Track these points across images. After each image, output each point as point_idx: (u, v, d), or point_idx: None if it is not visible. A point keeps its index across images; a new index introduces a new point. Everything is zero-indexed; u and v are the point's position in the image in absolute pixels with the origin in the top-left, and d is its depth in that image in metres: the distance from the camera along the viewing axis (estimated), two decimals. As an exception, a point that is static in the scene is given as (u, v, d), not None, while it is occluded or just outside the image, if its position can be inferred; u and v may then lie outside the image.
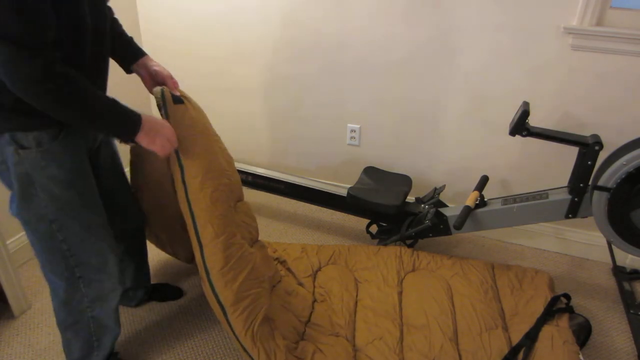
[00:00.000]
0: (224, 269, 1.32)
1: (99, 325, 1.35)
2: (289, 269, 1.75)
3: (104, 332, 1.37)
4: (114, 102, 1.06)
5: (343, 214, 2.26)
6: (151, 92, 1.32)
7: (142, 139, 1.14)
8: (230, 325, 1.34)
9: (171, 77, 1.35)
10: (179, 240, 1.63)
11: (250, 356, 1.36)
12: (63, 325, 1.33)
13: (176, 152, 1.29)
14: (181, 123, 1.29)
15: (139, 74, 1.37)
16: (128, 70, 1.36)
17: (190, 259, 1.71)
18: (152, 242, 1.70)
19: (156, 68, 1.34)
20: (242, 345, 1.35)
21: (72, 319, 1.31)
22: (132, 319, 1.72)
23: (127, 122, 1.10)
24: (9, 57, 0.89)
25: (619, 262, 1.99)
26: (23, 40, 0.89)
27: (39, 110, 0.98)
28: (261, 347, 1.34)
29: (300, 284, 1.70)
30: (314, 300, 1.65)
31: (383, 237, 2.03)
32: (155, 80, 1.35)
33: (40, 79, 0.93)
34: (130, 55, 1.34)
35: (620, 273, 1.95)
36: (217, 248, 1.31)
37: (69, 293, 1.25)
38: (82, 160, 1.18)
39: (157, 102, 1.27)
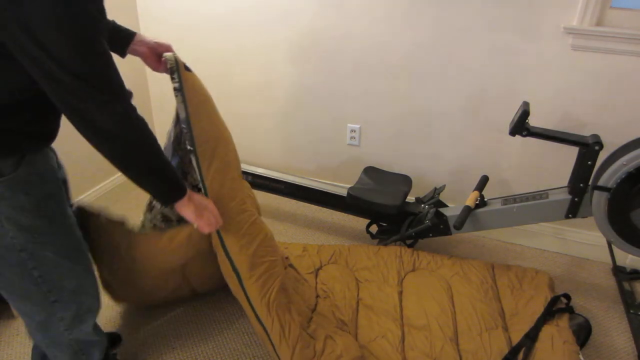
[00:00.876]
0: (238, 233, 1.30)
1: (82, 342, 1.25)
2: (291, 265, 1.75)
3: (89, 346, 1.28)
4: (169, 163, 1.08)
5: (343, 214, 2.26)
6: (154, 69, 1.31)
7: (190, 212, 1.14)
8: (245, 292, 1.30)
9: (171, 47, 1.33)
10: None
11: (263, 326, 1.32)
12: (44, 345, 1.23)
13: (187, 112, 1.29)
14: (192, 88, 1.31)
15: (137, 53, 1.29)
16: (124, 54, 1.29)
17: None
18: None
19: (155, 40, 1.31)
20: (255, 314, 1.32)
21: (50, 340, 1.21)
22: (132, 320, 1.71)
23: (176, 188, 1.11)
24: (95, 102, 0.88)
25: (619, 262, 1.99)
26: (114, 85, 0.90)
27: None
28: (276, 318, 1.31)
29: (304, 280, 1.71)
30: (317, 296, 1.66)
31: (383, 237, 2.03)
32: (158, 52, 1.31)
33: (119, 125, 0.93)
34: (124, 38, 1.26)
35: (620, 273, 1.95)
36: (233, 211, 1.30)
37: (43, 318, 1.14)
38: (51, 182, 1.06)
39: (170, 65, 1.27)
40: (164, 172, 1.07)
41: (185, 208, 1.15)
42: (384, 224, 2.05)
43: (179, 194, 1.12)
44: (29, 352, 1.57)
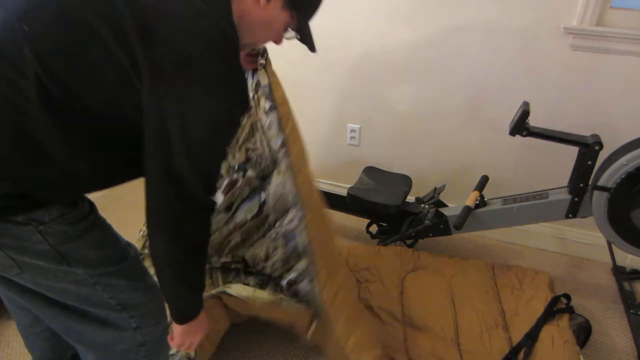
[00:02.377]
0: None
1: None
2: None
3: None
4: (201, 293, 1.03)
5: (343, 214, 2.26)
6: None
7: (181, 329, 1.05)
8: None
9: None
10: None
11: None
12: None
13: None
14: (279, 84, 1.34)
15: None
16: None
17: None
18: None
19: None
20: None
21: None
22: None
23: (196, 309, 1.04)
24: (194, 202, 0.88)
25: (619, 262, 1.99)
26: (210, 200, 0.91)
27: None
28: None
29: None
30: None
31: (383, 237, 2.03)
32: None
33: (192, 237, 0.92)
34: None
35: (620, 273, 1.95)
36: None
37: (125, 346, 1.06)
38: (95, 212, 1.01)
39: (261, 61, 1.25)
40: (200, 289, 1.03)
41: (182, 326, 1.06)
42: (384, 224, 2.05)
43: (194, 316, 1.05)
44: (28, 352, 1.57)
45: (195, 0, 0.80)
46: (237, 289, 1.48)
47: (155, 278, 0.99)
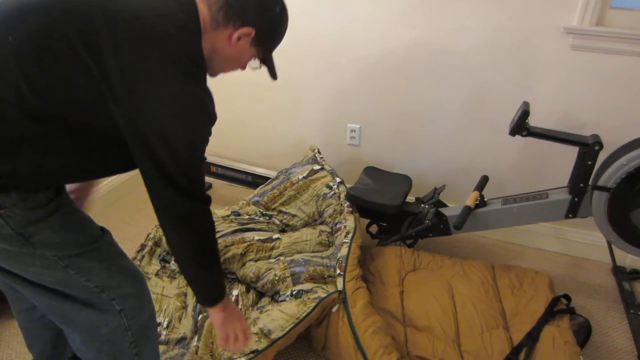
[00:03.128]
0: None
1: None
2: None
3: None
4: (220, 274, 1.15)
5: (343, 214, 2.26)
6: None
7: (220, 318, 1.15)
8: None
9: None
10: None
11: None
12: None
13: None
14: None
15: None
16: None
17: None
18: None
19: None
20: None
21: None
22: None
23: (220, 290, 1.15)
24: (191, 198, 0.99)
25: (619, 262, 1.99)
26: (206, 197, 1.03)
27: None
28: None
29: None
30: None
31: (383, 237, 2.03)
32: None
33: (196, 227, 1.03)
34: None
35: (620, 273, 1.95)
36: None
37: (111, 328, 1.09)
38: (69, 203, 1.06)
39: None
40: (216, 270, 1.13)
41: (218, 312, 1.16)
42: (384, 224, 2.05)
43: (219, 297, 1.15)
44: (29, 352, 1.57)
45: (170, 29, 0.92)
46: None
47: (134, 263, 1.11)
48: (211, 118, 1.00)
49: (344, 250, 1.66)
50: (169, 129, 0.92)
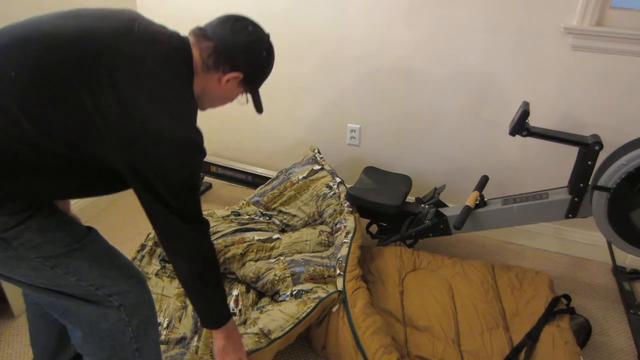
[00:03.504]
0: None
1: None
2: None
3: None
4: (224, 290, 1.22)
5: (343, 214, 2.26)
6: None
7: (220, 344, 1.22)
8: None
9: None
10: None
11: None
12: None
13: None
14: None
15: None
16: None
17: None
18: None
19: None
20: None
21: (116, 358, 1.15)
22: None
23: (224, 314, 1.21)
24: (191, 226, 1.06)
25: (619, 262, 1.99)
26: (203, 220, 1.09)
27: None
28: None
29: None
30: None
31: (383, 237, 2.03)
32: None
33: (203, 243, 1.10)
34: None
35: (620, 273, 1.95)
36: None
37: (110, 324, 1.10)
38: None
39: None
40: (221, 290, 1.21)
41: (222, 339, 1.23)
42: (384, 224, 2.05)
43: (225, 319, 1.21)
44: (29, 352, 1.57)
45: (166, 76, 0.99)
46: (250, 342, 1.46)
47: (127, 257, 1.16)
48: (203, 155, 1.05)
49: (344, 251, 1.66)
50: (167, 168, 0.97)
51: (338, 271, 1.59)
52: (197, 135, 1.02)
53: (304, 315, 1.45)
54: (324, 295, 1.50)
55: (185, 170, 1.01)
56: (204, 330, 1.52)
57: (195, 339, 1.51)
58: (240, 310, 1.60)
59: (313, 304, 1.47)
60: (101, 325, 1.09)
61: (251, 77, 1.16)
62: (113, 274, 1.10)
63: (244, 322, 1.56)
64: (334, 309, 1.48)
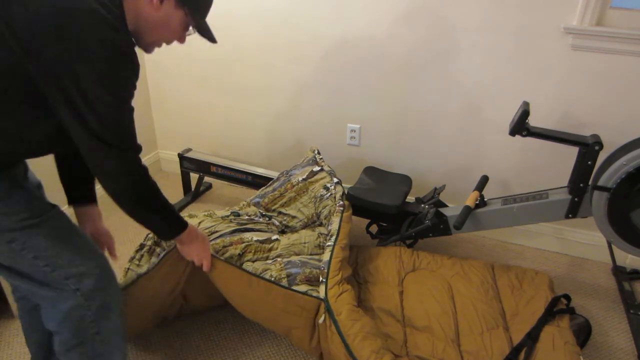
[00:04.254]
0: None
1: (105, 343, 1.19)
2: None
3: (111, 352, 1.21)
4: (170, 205, 1.20)
5: (343, 214, 2.26)
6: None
7: (180, 247, 1.31)
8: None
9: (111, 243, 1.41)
10: None
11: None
12: (64, 347, 1.16)
13: None
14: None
15: (83, 216, 1.34)
16: (71, 202, 1.34)
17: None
18: None
19: (103, 227, 1.38)
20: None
21: (76, 339, 1.15)
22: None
23: (177, 225, 1.23)
24: (116, 156, 1.02)
25: (619, 262, 1.99)
26: (132, 139, 1.05)
27: None
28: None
29: None
30: None
31: (383, 237, 2.03)
32: (97, 233, 1.36)
33: (129, 171, 1.06)
34: (84, 195, 1.35)
35: (620, 273, 1.95)
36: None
37: (68, 306, 1.10)
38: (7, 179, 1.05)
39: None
40: (167, 210, 1.19)
41: (178, 242, 1.28)
42: (384, 224, 2.05)
43: (178, 232, 1.24)
44: (29, 352, 1.57)
45: (92, 3, 0.91)
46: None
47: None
48: (133, 65, 0.98)
49: (326, 256, 1.61)
50: (82, 69, 0.90)
51: (321, 278, 1.55)
52: (126, 40, 0.97)
53: (273, 279, 1.49)
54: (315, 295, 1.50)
55: (103, 71, 0.93)
56: None
57: None
58: (204, 237, 1.58)
59: (286, 284, 1.50)
60: (59, 306, 1.10)
61: None
62: (70, 256, 1.08)
63: None
64: (320, 320, 1.44)
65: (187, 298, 1.65)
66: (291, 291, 1.46)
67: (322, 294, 1.47)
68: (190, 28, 1.12)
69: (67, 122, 0.96)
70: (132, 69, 0.99)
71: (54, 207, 1.10)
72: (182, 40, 1.13)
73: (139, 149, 1.07)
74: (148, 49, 1.11)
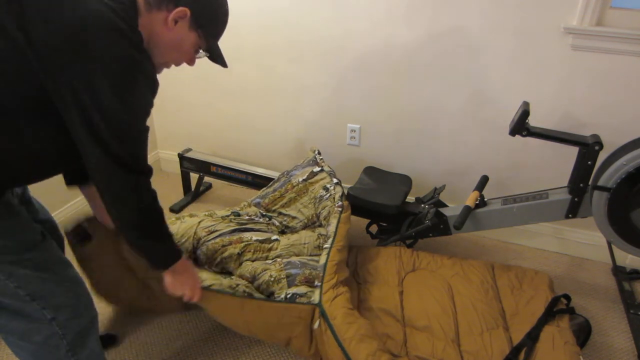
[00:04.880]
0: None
1: None
2: None
3: None
4: (171, 232, 1.18)
5: (343, 214, 2.26)
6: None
7: (167, 279, 1.24)
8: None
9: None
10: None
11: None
12: None
13: None
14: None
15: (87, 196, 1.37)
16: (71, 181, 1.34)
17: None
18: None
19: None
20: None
21: None
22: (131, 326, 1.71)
23: (174, 253, 1.21)
24: (127, 178, 1.00)
25: (619, 262, 1.99)
26: (143, 162, 1.03)
27: None
28: None
29: None
30: None
31: (383, 237, 2.03)
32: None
33: (139, 195, 1.04)
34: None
35: (620, 273, 1.95)
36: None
37: (42, 338, 1.09)
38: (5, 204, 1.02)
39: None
40: (165, 240, 1.17)
41: (167, 274, 1.24)
42: (384, 224, 2.05)
43: (170, 263, 1.21)
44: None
45: (105, 8, 0.90)
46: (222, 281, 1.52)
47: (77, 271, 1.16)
48: (151, 80, 0.98)
49: (322, 259, 1.60)
50: (99, 82, 0.89)
51: (316, 282, 1.54)
52: (145, 59, 0.95)
53: (271, 300, 1.47)
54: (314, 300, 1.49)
55: (126, 95, 0.92)
56: None
57: None
58: (193, 269, 1.56)
59: (283, 298, 1.48)
60: (34, 338, 1.08)
61: (200, 15, 1.04)
62: (52, 287, 1.07)
63: None
64: (315, 326, 1.44)
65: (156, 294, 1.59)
66: (284, 304, 1.45)
67: (316, 298, 1.46)
68: (201, 51, 1.12)
69: (80, 139, 0.94)
70: (150, 87, 0.99)
71: (45, 237, 1.08)
72: (191, 62, 1.12)
73: (150, 172, 1.06)
74: (157, 70, 1.09)
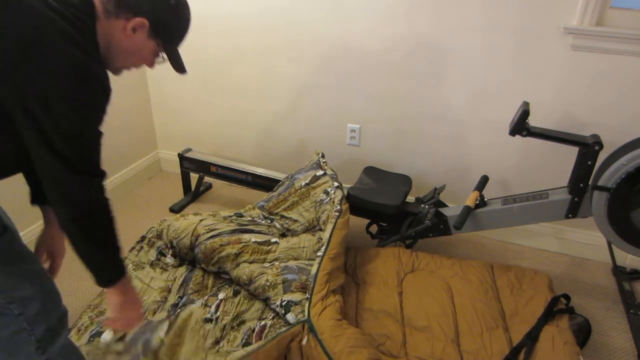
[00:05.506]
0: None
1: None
2: None
3: None
4: (120, 245, 1.11)
5: (343, 214, 2.26)
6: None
7: (116, 300, 1.14)
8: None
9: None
10: None
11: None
12: None
13: None
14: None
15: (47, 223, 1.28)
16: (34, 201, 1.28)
17: None
18: None
19: (57, 242, 1.28)
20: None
21: None
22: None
23: (119, 269, 1.13)
24: (78, 180, 0.98)
25: (619, 262, 1.99)
26: (96, 165, 1.01)
27: None
28: None
29: None
30: None
31: (383, 237, 2.03)
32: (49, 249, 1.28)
33: (90, 197, 1.01)
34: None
35: (620, 273, 1.95)
36: None
37: (8, 333, 1.06)
38: None
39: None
40: (112, 249, 1.11)
41: (115, 295, 1.14)
42: (384, 224, 2.05)
43: (116, 278, 1.13)
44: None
45: (56, 19, 0.90)
46: None
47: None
48: (103, 87, 0.97)
49: (314, 269, 1.56)
50: (50, 89, 0.89)
51: (307, 294, 1.51)
52: (97, 65, 0.96)
53: (257, 346, 1.39)
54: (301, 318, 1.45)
55: (73, 92, 0.92)
56: (175, 327, 1.50)
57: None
58: (217, 318, 1.55)
59: (270, 337, 1.42)
60: (1, 332, 1.06)
61: (159, 25, 1.05)
62: (15, 280, 1.05)
63: (221, 333, 1.52)
64: (304, 342, 1.40)
65: None
66: (274, 340, 1.40)
67: (305, 313, 1.44)
68: (162, 55, 1.11)
69: (31, 143, 0.93)
70: (103, 92, 0.98)
71: (7, 229, 1.06)
72: (151, 65, 1.13)
73: (103, 175, 1.04)
74: (116, 72, 1.10)
